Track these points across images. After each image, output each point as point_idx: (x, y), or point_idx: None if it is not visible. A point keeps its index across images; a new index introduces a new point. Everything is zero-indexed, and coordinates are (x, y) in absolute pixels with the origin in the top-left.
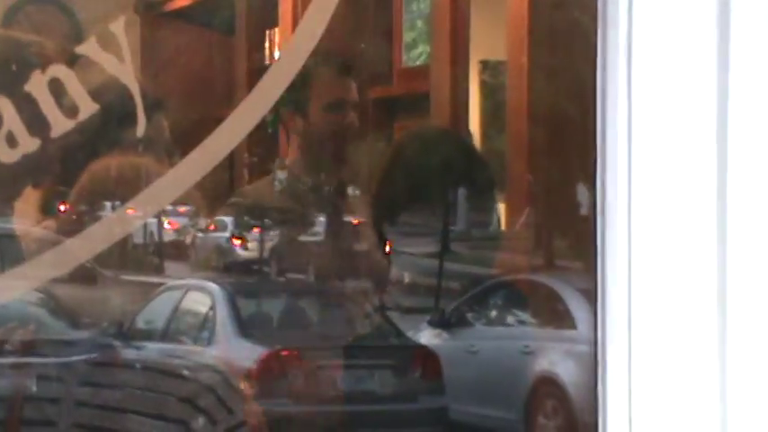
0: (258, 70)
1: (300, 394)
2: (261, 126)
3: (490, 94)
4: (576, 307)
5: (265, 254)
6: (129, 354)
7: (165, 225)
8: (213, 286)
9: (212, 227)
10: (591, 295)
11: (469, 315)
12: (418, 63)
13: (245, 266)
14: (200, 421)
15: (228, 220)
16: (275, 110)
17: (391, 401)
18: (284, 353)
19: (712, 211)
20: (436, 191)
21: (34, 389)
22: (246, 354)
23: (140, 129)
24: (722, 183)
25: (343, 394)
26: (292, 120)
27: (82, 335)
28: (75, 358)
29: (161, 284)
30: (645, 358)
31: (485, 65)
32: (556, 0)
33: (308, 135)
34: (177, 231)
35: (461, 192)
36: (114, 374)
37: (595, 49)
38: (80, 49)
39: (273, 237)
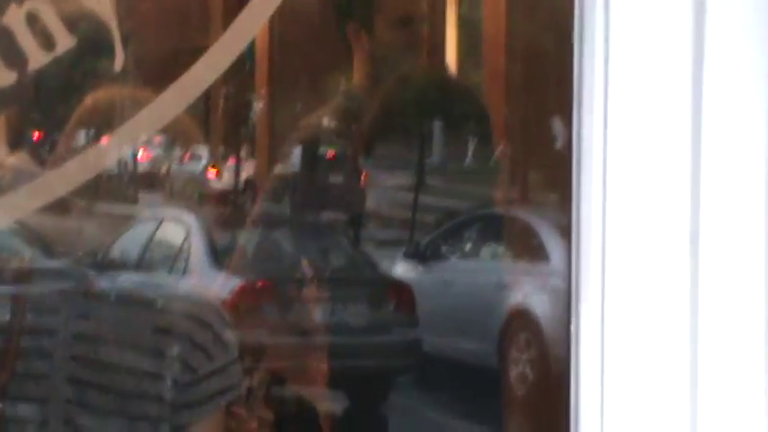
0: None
1: (275, 325)
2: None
3: (468, 26)
4: (551, 241)
5: (240, 185)
6: (103, 283)
7: (140, 155)
8: (188, 217)
9: (187, 157)
10: (565, 230)
11: (444, 248)
12: None
13: (221, 197)
14: (175, 350)
15: (203, 150)
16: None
17: (365, 333)
18: (259, 284)
19: (687, 150)
20: (412, 123)
21: (7, 317)
22: (222, 284)
23: (118, 62)
24: (696, 123)
25: (318, 326)
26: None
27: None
28: (49, 287)
29: (136, 215)
30: (618, 294)
31: None
32: None
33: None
34: (152, 162)
35: (437, 125)
36: (88, 304)
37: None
38: None
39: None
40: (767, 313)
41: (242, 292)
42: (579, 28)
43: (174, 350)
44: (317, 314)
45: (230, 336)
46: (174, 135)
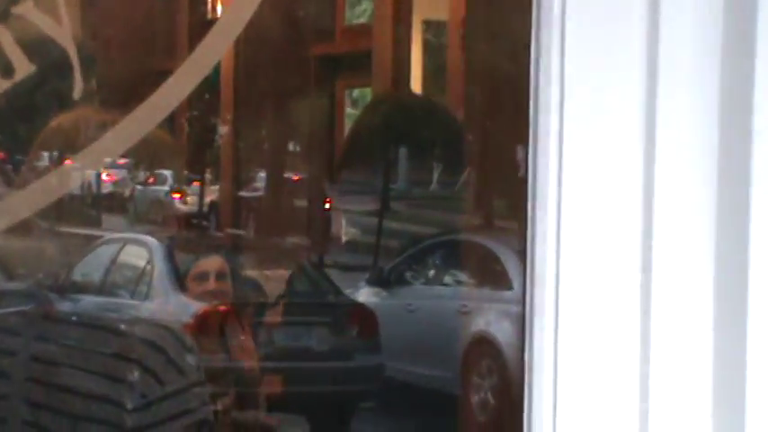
0: (200, 24)
1: (237, 350)
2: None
3: (432, 53)
4: (513, 267)
5: (205, 208)
6: (64, 306)
7: (104, 177)
8: (151, 240)
9: (152, 180)
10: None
11: (408, 274)
12: (361, 21)
13: (185, 221)
14: (136, 375)
15: (168, 173)
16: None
17: (328, 358)
18: (221, 308)
19: (639, 176)
20: (377, 150)
21: None
22: (184, 308)
23: (77, 90)
24: (649, 154)
25: (280, 350)
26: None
27: (17, 286)
28: (9, 309)
29: (99, 237)
30: (572, 322)
31: (427, 24)
32: None
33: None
34: (116, 184)
35: (402, 151)
36: (49, 327)
37: (530, 9)
38: (16, 10)
39: (214, 191)
40: (714, 344)
41: (204, 316)
42: (536, 56)
43: (127, 375)
44: (280, 338)
45: (188, 360)
46: (140, 158)
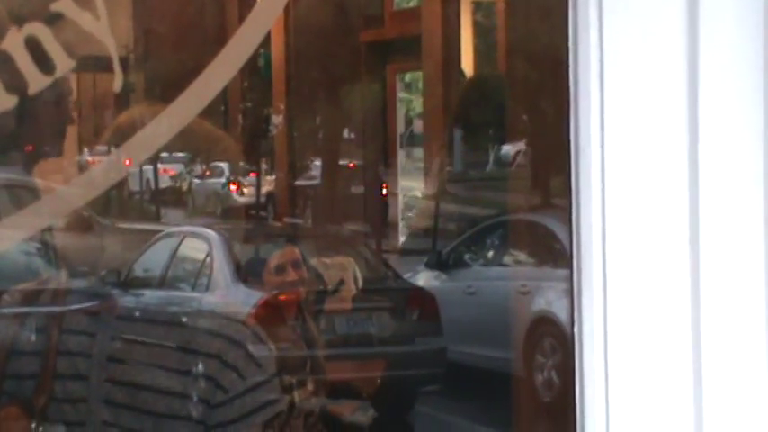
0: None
1: (298, 339)
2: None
3: (482, 34)
4: None
5: (262, 199)
6: (127, 301)
7: (161, 171)
8: (210, 232)
9: (208, 172)
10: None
11: (466, 256)
12: (410, 5)
13: (242, 212)
14: (217, 371)
15: (224, 165)
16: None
17: (389, 343)
18: (282, 298)
19: (683, 147)
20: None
21: (33, 339)
22: (245, 299)
23: (117, 83)
24: (693, 121)
25: (342, 338)
26: None
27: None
28: (72, 307)
29: (158, 231)
30: (621, 294)
31: (477, 5)
32: None
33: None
34: (173, 178)
35: (458, 133)
36: (123, 325)
37: None
38: (55, 7)
39: (270, 182)
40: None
41: (265, 306)
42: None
43: (207, 370)
44: (341, 325)
45: (265, 353)
46: (196, 151)
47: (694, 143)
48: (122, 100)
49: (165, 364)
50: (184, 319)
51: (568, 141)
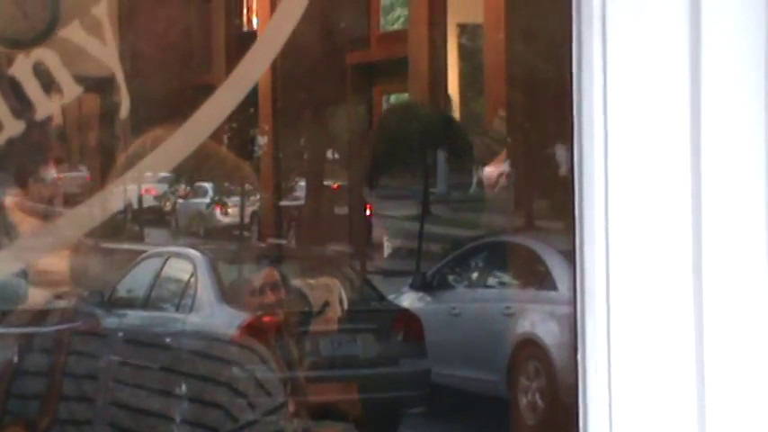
0: (236, 37)
1: (283, 360)
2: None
3: (468, 56)
4: (557, 268)
5: (246, 219)
6: (110, 322)
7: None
8: (194, 253)
9: (192, 192)
10: (570, 256)
11: (451, 277)
12: (396, 27)
13: (226, 232)
14: (226, 398)
15: (208, 185)
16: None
17: (373, 365)
18: (266, 319)
19: (686, 173)
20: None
21: (16, 360)
22: (229, 320)
23: (124, 108)
24: (696, 147)
25: (327, 359)
26: None
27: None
28: (56, 327)
29: (142, 252)
30: (624, 320)
31: (462, 28)
32: None
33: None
34: (157, 198)
35: (441, 155)
36: (96, 343)
37: (570, 11)
38: (63, 33)
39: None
40: None
41: (249, 328)
42: (578, 55)
43: (217, 398)
44: (326, 346)
45: (273, 378)
46: (180, 171)
47: (697, 167)
48: (107, 121)
49: (173, 390)
50: (193, 345)
51: (571, 167)
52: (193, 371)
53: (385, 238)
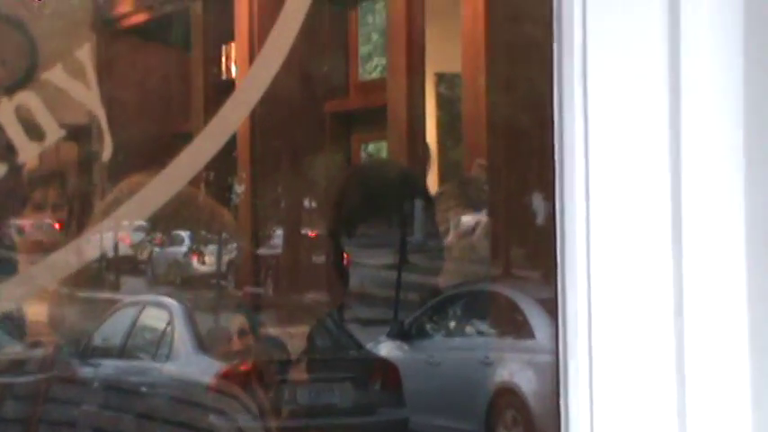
0: (215, 85)
1: (260, 409)
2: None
3: (446, 106)
4: (535, 316)
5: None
6: (86, 371)
7: (125, 240)
8: (170, 302)
9: (169, 241)
10: (549, 305)
11: (429, 326)
12: (374, 76)
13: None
14: None
15: (185, 234)
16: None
17: (351, 414)
18: (242, 367)
19: (667, 223)
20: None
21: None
22: (205, 369)
23: (107, 152)
24: (676, 193)
25: (304, 408)
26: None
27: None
28: (32, 377)
29: (118, 300)
30: (606, 368)
31: (441, 77)
32: (510, 13)
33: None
34: (133, 246)
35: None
36: (72, 392)
37: (551, 61)
38: (46, 75)
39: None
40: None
41: (226, 376)
42: (559, 102)
43: None
44: (303, 395)
45: (257, 427)
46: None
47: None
48: (85, 168)
49: (98, 426)
50: (170, 392)
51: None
52: (172, 417)
53: (362, 287)
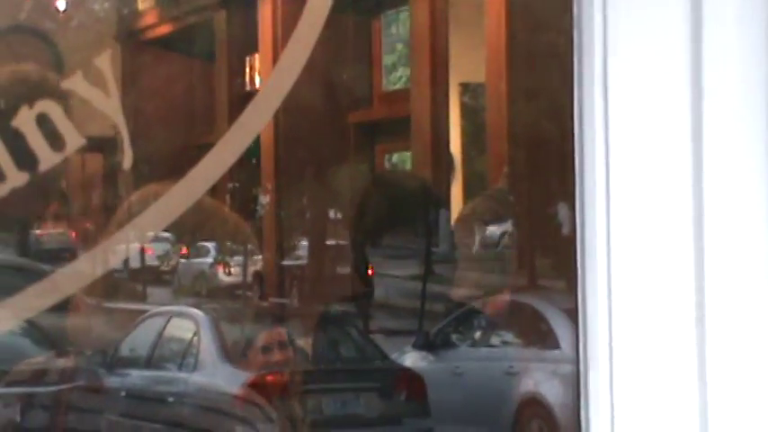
0: (239, 96)
1: (286, 418)
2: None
3: (470, 115)
4: (560, 326)
5: (249, 278)
6: (113, 381)
7: (150, 251)
8: (197, 312)
9: (195, 252)
10: (574, 314)
11: (454, 337)
12: (398, 86)
13: (229, 292)
14: None
15: (211, 245)
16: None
17: (377, 424)
18: (269, 377)
19: (689, 230)
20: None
21: (18, 419)
22: (232, 379)
23: (127, 160)
24: (698, 202)
25: (329, 418)
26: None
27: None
28: (60, 387)
29: (145, 311)
30: (626, 376)
31: (465, 87)
32: (533, 23)
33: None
34: (159, 258)
35: (443, 215)
36: (99, 401)
37: (572, 71)
38: (66, 84)
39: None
40: None
41: (252, 386)
42: (579, 113)
43: None
44: (329, 405)
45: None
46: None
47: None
48: (110, 180)
49: None
50: (196, 401)
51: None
52: (198, 426)
53: (387, 298)
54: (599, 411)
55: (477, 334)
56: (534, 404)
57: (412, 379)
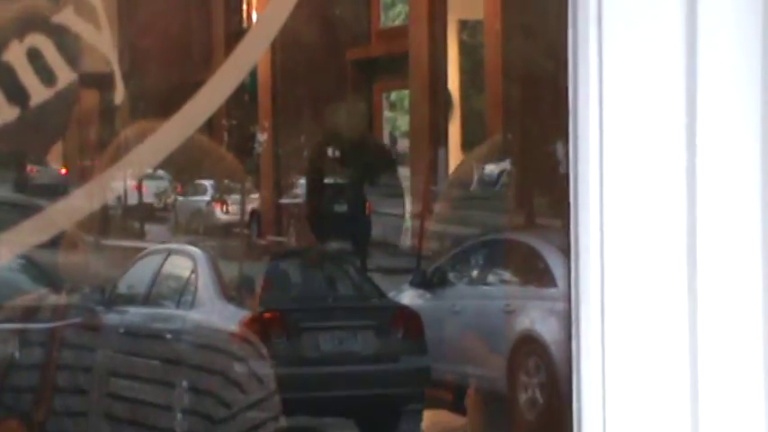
0: (235, 33)
1: (283, 356)
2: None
3: (468, 52)
4: (557, 264)
5: (246, 217)
6: (111, 319)
7: (145, 189)
8: (194, 250)
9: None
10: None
11: (451, 275)
12: (396, 23)
13: (226, 229)
14: (184, 384)
15: (208, 183)
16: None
17: (374, 361)
18: (267, 315)
19: (681, 165)
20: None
21: (17, 355)
22: (229, 316)
23: (118, 96)
24: (691, 145)
25: (326, 355)
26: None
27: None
28: (57, 323)
29: (142, 249)
30: (618, 313)
31: (463, 24)
32: None
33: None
34: (157, 195)
35: (441, 152)
36: (97, 339)
37: (566, 7)
38: (57, 18)
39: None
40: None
41: (250, 324)
42: (573, 53)
43: (211, 386)
44: (326, 343)
45: (265, 370)
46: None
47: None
48: (107, 117)
49: (167, 379)
50: (186, 336)
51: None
52: (188, 360)
53: (385, 236)
54: (590, 345)
55: (475, 272)
56: (530, 342)
57: (409, 317)
